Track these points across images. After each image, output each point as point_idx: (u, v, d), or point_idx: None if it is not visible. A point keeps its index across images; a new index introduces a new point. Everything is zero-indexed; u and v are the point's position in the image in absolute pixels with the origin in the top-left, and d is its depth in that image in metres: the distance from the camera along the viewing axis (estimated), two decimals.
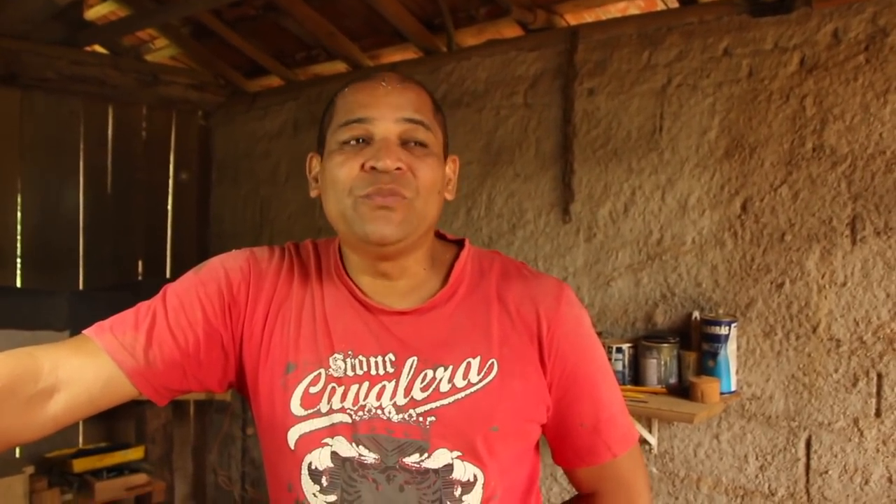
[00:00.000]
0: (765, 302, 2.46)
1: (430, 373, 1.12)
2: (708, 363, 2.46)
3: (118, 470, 3.63)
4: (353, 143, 1.12)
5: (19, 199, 3.88)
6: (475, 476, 1.12)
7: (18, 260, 3.89)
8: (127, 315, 1.15)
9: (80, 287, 4.07)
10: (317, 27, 3.53)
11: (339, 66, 3.84)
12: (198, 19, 3.79)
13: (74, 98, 4.01)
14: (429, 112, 1.15)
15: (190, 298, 1.16)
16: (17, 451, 3.73)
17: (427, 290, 1.19)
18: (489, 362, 1.13)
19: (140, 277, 4.34)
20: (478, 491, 1.12)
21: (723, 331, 2.43)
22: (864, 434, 2.28)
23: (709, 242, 2.58)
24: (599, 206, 2.84)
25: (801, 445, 2.39)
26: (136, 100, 4.22)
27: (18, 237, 3.88)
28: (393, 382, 1.12)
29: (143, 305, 1.17)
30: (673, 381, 2.55)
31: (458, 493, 1.11)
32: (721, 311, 2.54)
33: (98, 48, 4.17)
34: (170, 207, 4.47)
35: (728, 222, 2.54)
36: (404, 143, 1.11)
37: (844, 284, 2.31)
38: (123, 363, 1.10)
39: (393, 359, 1.13)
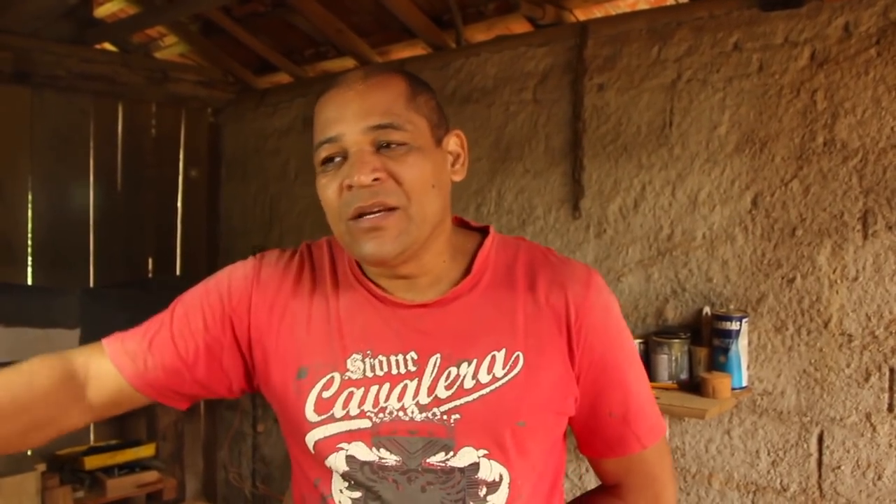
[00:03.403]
0: (776, 297, 2.45)
1: (453, 370, 1.10)
2: (719, 358, 2.45)
3: (129, 467, 3.65)
4: (330, 162, 1.09)
5: (30, 197, 3.89)
6: (501, 476, 1.10)
7: (29, 258, 3.90)
8: (142, 325, 1.20)
9: (91, 284, 4.08)
10: (326, 24, 3.54)
11: (349, 63, 3.84)
12: (207, 16, 3.80)
13: (84, 96, 4.01)
14: (400, 106, 1.09)
15: (194, 308, 1.18)
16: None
17: (448, 281, 1.15)
18: (514, 355, 1.10)
19: (150, 275, 4.35)
20: (503, 491, 1.10)
21: (734, 326, 2.42)
22: (877, 429, 2.27)
23: (719, 238, 2.57)
24: (609, 202, 2.83)
25: (814, 441, 2.38)
26: (146, 97, 4.22)
27: (29, 235, 3.90)
28: (415, 381, 1.10)
29: (157, 316, 1.21)
30: (684, 376, 2.54)
31: (482, 493, 1.09)
32: (732, 307, 2.53)
33: (108, 46, 4.18)
34: (179, 204, 4.48)
35: (739, 217, 2.53)
36: (379, 148, 1.07)
37: (856, 279, 2.30)
38: (123, 368, 1.16)
39: (415, 357, 1.11)
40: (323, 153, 1.09)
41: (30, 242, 3.90)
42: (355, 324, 1.14)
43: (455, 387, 1.09)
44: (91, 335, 3.41)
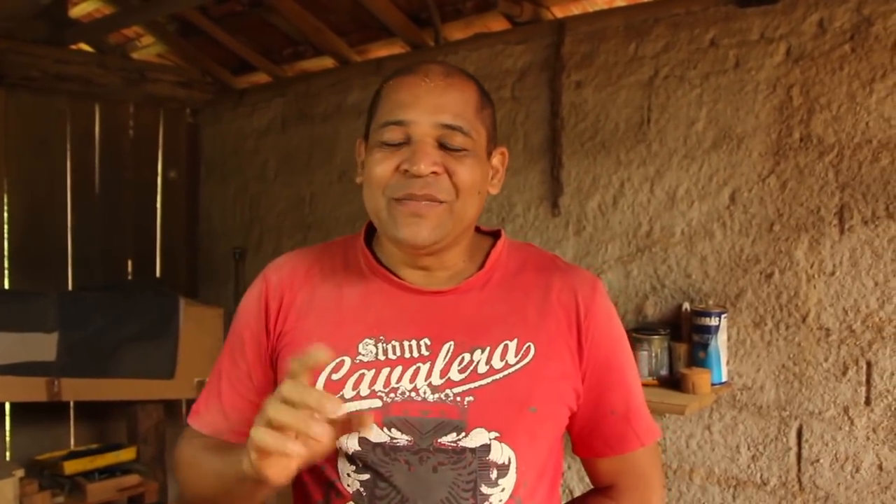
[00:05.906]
0: (754, 292, 2.46)
1: (467, 356, 1.13)
2: (698, 354, 2.46)
3: (110, 471, 3.60)
4: (391, 142, 1.12)
5: (6, 200, 3.86)
6: (510, 459, 1.12)
7: (6, 261, 3.87)
8: (210, 385, 1.26)
9: (69, 287, 4.05)
10: (303, 23, 3.52)
11: (327, 62, 3.83)
12: (184, 16, 3.77)
13: (60, 97, 3.98)
14: (471, 111, 1.14)
15: (239, 352, 1.24)
16: (8, 454, 3.71)
17: (463, 277, 1.20)
18: (526, 345, 1.14)
19: (129, 277, 4.32)
20: (512, 475, 1.12)
21: (713, 322, 2.43)
22: (855, 422, 2.28)
23: (698, 234, 2.58)
24: (588, 199, 2.84)
25: (793, 434, 2.40)
26: (123, 98, 4.20)
27: (5, 238, 3.86)
28: (428, 364, 1.13)
29: (214, 370, 1.27)
30: (664, 372, 2.55)
31: (493, 475, 1.11)
32: (711, 302, 2.54)
33: (83, 46, 4.15)
34: (158, 206, 4.45)
35: (717, 213, 2.54)
36: (442, 144, 1.11)
37: (833, 274, 2.32)
38: (221, 435, 1.21)
39: (429, 343, 1.14)
40: (387, 133, 1.12)
41: (6, 246, 3.87)
42: (368, 311, 1.17)
43: (468, 371, 1.12)
44: (69, 339, 3.39)
